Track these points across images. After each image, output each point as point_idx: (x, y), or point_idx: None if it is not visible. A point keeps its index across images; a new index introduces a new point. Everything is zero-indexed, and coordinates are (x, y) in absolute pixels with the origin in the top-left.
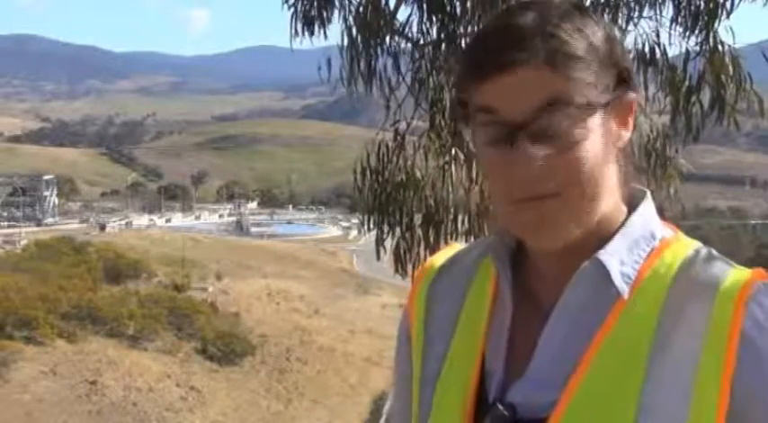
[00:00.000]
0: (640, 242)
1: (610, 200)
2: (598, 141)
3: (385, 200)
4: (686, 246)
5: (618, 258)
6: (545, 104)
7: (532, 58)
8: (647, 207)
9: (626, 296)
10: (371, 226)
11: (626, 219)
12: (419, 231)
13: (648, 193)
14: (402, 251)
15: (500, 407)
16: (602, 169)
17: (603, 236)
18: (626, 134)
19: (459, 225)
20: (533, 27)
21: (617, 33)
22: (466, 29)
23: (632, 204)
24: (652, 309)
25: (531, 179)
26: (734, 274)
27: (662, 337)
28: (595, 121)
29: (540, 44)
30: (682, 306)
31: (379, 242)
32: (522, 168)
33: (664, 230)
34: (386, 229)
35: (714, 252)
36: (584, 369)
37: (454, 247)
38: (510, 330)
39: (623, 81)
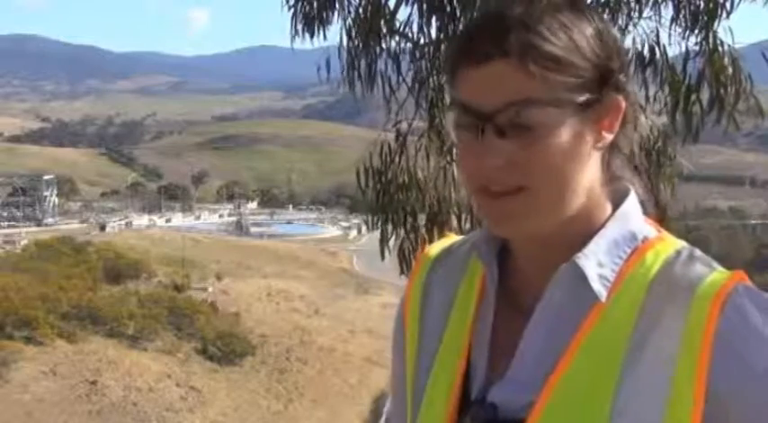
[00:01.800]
0: (620, 243)
1: (583, 199)
2: (568, 140)
3: (388, 200)
4: (669, 246)
5: (595, 260)
6: (514, 100)
7: (505, 53)
8: (630, 206)
9: (603, 299)
10: (375, 226)
11: (607, 219)
12: (423, 231)
13: (632, 192)
14: (406, 252)
15: (481, 406)
16: (571, 168)
17: (584, 235)
18: (608, 136)
19: (463, 224)
20: (515, 21)
21: (614, 33)
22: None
23: (617, 203)
24: (630, 311)
25: (494, 172)
26: (712, 276)
27: (639, 339)
28: (566, 120)
29: (515, 40)
30: (659, 308)
31: (384, 242)
32: (486, 160)
33: (647, 230)
34: (390, 229)
35: (696, 252)
36: (561, 372)
37: (450, 238)
38: (493, 328)
39: (608, 82)
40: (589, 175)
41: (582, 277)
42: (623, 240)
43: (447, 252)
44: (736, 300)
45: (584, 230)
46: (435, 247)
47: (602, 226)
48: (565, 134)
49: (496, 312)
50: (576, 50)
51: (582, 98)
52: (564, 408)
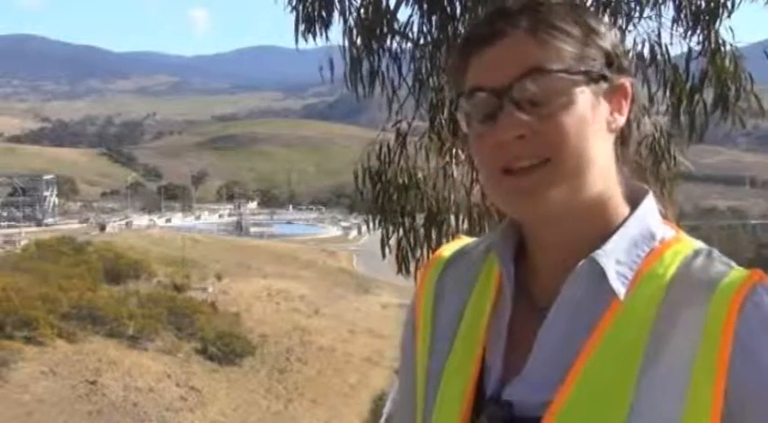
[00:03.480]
0: (639, 242)
1: (600, 182)
2: (583, 113)
3: (387, 201)
4: (687, 246)
5: (614, 258)
6: (526, 72)
7: (514, 28)
8: (648, 206)
9: (622, 297)
10: (374, 227)
11: (626, 218)
12: (421, 231)
13: (650, 192)
14: (404, 251)
15: (496, 405)
16: (588, 143)
17: (602, 234)
18: (620, 118)
19: (461, 224)
20: (520, 6)
21: (612, 32)
22: (465, 28)
23: (634, 203)
24: (648, 310)
25: (518, 146)
26: (731, 276)
27: (657, 338)
28: (580, 93)
29: (523, 16)
30: (678, 307)
31: (384, 243)
32: (508, 134)
33: (665, 230)
34: (389, 229)
35: (714, 252)
36: (579, 370)
37: (462, 240)
38: (509, 326)
39: (614, 64)
40: (605, 156)
41: (600, 275)
42: (642, 239)
43: (460, 254)
44: (755, 298)
45: (600, 229)
46: (448, 249)
47: (622, 225)
48: (580, 105)
49: (512, 311)
50: (581, 26)
51: (592, 69)
52: (581, 406)
